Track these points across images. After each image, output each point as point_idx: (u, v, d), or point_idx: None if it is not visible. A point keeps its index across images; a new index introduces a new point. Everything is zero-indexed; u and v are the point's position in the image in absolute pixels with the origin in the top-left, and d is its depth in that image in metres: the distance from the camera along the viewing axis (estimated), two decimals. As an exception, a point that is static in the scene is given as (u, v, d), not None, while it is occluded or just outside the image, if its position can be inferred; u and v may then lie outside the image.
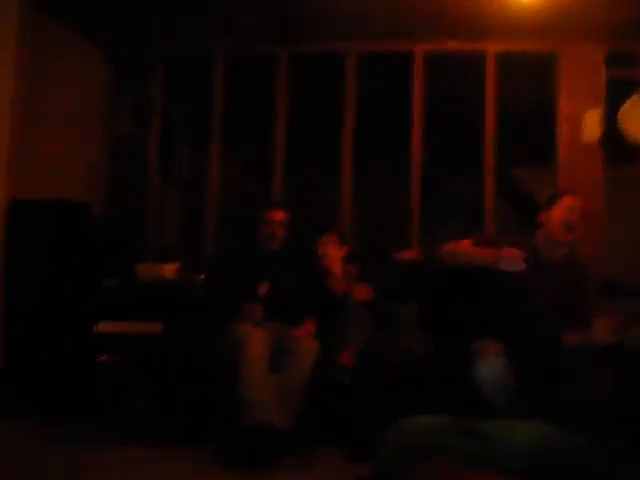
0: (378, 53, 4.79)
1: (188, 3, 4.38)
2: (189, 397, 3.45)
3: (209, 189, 4.88)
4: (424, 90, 4.79)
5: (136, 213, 4.90)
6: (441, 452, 1.90)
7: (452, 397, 2.99)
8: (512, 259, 3.06)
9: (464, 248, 3.27)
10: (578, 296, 3.19)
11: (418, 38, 4.68)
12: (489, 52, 4.68)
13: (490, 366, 2.83)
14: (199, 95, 5.09)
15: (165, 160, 5.18)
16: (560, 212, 3.22)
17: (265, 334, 3.37)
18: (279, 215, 3.85)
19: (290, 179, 4.90)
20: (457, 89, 5.17)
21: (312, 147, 5.70)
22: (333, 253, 3.99)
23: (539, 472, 1.91)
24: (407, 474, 1.78)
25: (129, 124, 5.06)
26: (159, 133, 5.01)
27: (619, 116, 4.41)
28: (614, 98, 4.49)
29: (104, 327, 3.79)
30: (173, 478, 2.83)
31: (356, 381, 3.30)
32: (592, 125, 4.46)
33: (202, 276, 4.12)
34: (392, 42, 4.73)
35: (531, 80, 4.91)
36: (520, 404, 2.74)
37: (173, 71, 5.06)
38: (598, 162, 4.48)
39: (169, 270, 4.21)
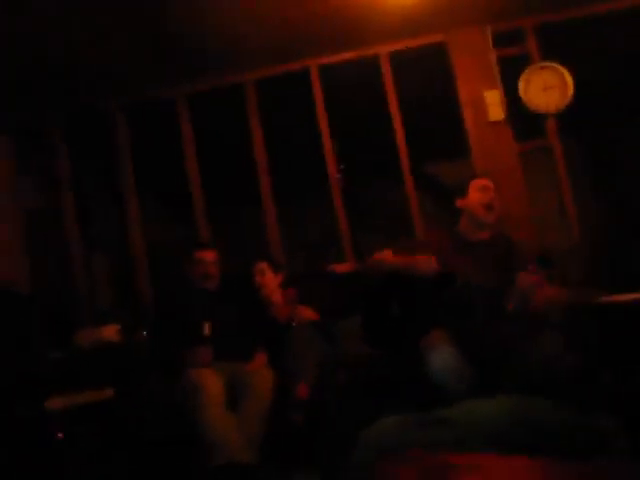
0: (274, 76, 4.80)
1: (74, 69, 4.33)
2: (154, 456, 3.35)
3: (134, 244, 4.79)
4: (324, 105, 4.82)
5: (64, 284, 4.76)
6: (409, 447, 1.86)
7: (412, 395, 2.97)
8: (425, 263, 3.09)
9: (386, 258, 3.28)
10: (512, 268, 3.19)
11: (310, 54, 4.71)
12: (382, 54, 4.74)
13: (439, 356, 2.81)
14: (106, 153, 5.00)
15: (85, 225, 5.07)
16: (475, 194, 3.30)
17: (218, 374, 3.32)
18: (209, 255, 3.83)
19: (213, 216, 4.84)
20: (358, 98, 5.22)
21: (229, 181, 5.68)
22: (269, 281, 3.95)
23: (511, 443, 1.90)
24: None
25: (39, 197, 4.93)
26: (73, 200, 4.88)
27: (519, 90, 4.52)
28: (512, 74, 4.59)
29: (55, 400, 3.66)
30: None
31: (315, 411, 3.29)
32: (494, 105, 4.55)
33: (144, 332, 4.02)
34: (285, 63, 4.76)
35: (429, 73, 4.97)
36: (477, 385, 2.74)
37: (76, 133, 4.96)
38: (508, 139, 4.56)
39: (109, 332, 4.10)
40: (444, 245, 3.28)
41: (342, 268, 4.31)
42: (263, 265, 4.00)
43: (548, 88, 4.54)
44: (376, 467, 1.77)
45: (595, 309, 2.90)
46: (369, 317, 3.35)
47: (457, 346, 2.87)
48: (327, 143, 4.80)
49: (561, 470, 1.66)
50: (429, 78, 4.99)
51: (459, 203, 3.36)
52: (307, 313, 3.81)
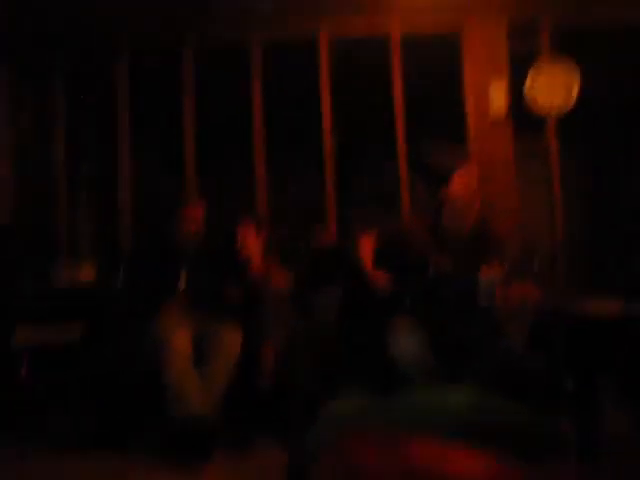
0: (281, 40, 4.74)
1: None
2: (115, 400, 3.37)
3: (122, 187, 4.74)
4: (331, 76, 4.75)
5: (46, 219, 4.72)
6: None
7: (376, 374, 2.99)
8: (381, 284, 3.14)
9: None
10: (490, 257, 3.20)
11: (322, 23, 4.66)
12: (394, 31, 4.68)
13: (404, 341, 2.82)
14: (105, 91, 4.92)
15: (74, 160, 5.01)
16: (458, 186, 3.27)
17: (187, 328, 3.33)
18: (197, 212, 3.81)
19: (203, 171, 4.79)
20: (364, 72, 5.17)
21: (223, 138, 5.64)
22: (252, 242, 3.92)
23: (467, 433, 1.91)
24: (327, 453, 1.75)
25: (31, 132, 4.86)
26: (64, 136, 4.82)
27: (525, 87, 4.50)
28: (520, 70, 4.56)
29: (22, 334, 3.64)
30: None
31: (282, 378, 3.32)
32: (498, 97, 4.53)
33: (120, 274, 4.00)
34: (297, 24, 4.69)
35: (437, 57, 4.93)
36: (439, 374, 2.75)
37: (78, 66, 4.88)
38: (507, 133, 4.55)
39: (85, 271, 4.08)
40: (425, 235, 3.29)
41: (325, 241, 4.30)
42: (248, 223, 3.97)
43: (555, 88, 4.50)
44: (335, 444, 1.78)
45: (566, 314, 2.92)
46: (348, 293, 3.36)
47: (422, 334, 2.89)
48: (327, 115, 4.74)
49: (514, 469, 1.67)
50: (438, 62, 4.95)
51: (443, 193, 3.34)
52: (281, 281, 3.79)
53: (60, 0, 4.51)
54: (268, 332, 3.40)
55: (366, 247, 3.32)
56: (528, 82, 4.52)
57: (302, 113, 5.03)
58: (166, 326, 3.30)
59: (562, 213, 4.56)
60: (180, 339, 3.23)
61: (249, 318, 3.54)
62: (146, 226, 4.69)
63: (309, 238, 4.29)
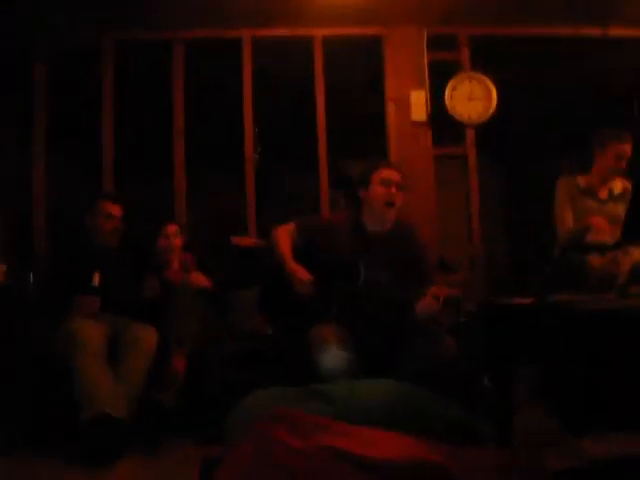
0: (206, 39, 4.70)
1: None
2: (24, 401, 3.24)
3: (35, 189, 4.58)
4: (252, 79, 4.75)
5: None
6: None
7: (295, 372, 2.96)
8: (302, 284, 3.07)
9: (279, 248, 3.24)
10: (411, 265, 3.20)
11: (246, 23, 4.65)
12: (316, 37, 4.72)
13: (331, 356, 2.77)
14: (22, 91, 4.77)
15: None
16: (377, 188, 3.19)
17: (100, 325, 3.25)
18: (116, 209, 3.73)
19: (120, 175, 4.68)
20: (286, 78, 5.19)
21: (143, 140, 5.54)
22: (176, 245, 3.87)
23: (388, 424, 1.91)
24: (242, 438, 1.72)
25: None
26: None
27: (445, 96, 4.60)
28: (440, 79, 4.67)
29: None
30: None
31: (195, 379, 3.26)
32: (419, 105, 4.60)
33: (31, 277, 3.87)
34: (220, 29, 4.67)
35: (360, 65, 4.99)
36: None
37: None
38: (427, 140, 4.63)
39: (-4, 271, 3.94)
40: (344, 232, 3.25)
41: (244, 241, 4.26)
42: (174, 228, 3.91)
43: (473, 99, 4.64)
44: (250, 427, 1.75)
45: (484, 313, 2.96)
46: (265, 293, 3.31)
47: (348, 344, 2.84)
48: (249, 120, 4.72)
49: (429, 447, 1.68)
50: (359, 70, 5.01)
51: (361, 194, 3.27)
52: (200, 279, 3.74)
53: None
54: (178, 333, 3.32)
55: (284, 237, 3.26)
56: (447, 92, 4.62)
57: (224, 116, 5.00)
58: (79, 324, 3.21)
59: (478, 220, 4.66)
60: (94, 335, 3.15)
61: (163, 318, 3.47)
62: (61, 226, 4.54)
63: (228, 238, 4.23)
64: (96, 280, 3.42)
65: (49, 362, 3.26)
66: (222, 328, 3.50)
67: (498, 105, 4.63)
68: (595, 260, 3.55)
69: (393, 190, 3.17)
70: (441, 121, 4.66)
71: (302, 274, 3.05)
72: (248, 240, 4.30)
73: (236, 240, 4.21)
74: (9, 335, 3.50)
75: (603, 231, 3.63)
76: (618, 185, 3.91)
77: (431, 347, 2.85)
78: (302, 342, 2.95)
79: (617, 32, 4.79)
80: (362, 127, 5.56)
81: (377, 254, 3.16)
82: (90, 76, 4.71)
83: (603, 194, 3.88)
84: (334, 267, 3.11)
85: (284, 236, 3.25)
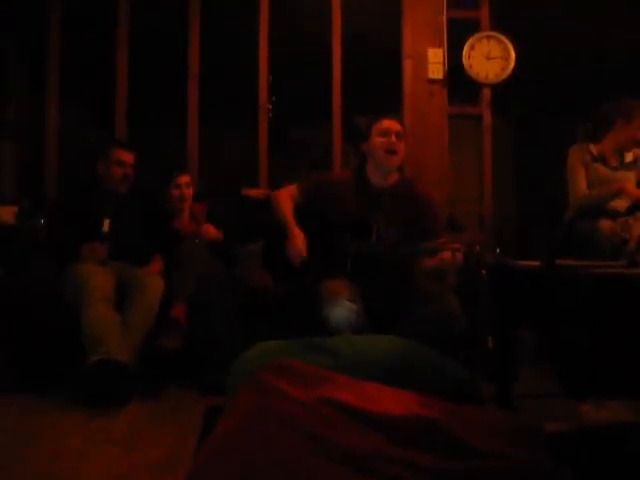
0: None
1: None
2: (32, 344, 3.29)
3: (48, 132, 4.53)
4: (268, 29, 4.65)
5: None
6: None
7: (300, 326, 2.97)
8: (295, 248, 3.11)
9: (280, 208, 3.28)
10: (419, 219, 3.17)
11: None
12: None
13: (342, 309, 2.77)
14: (35, 36, 4.71)
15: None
16: (377, 138, 3.19)
17: (109, 272, 3.28)
18: (129, 156, 3.73)
19: (133, 121, 4.63)
20: (303, 30, 5.12)
21: (156, 88, 5.50)
22: (189, 195, 3.87)
23: (391, 379, 1.92)
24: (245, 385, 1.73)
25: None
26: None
27: (463, 55, 4.54)
28: (458, 37, 4.59)
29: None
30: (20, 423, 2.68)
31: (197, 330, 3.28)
32: (436, 63, 4.54)
33: (43, 219, 3.88)
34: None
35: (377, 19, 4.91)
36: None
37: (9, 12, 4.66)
38: (442, 99, 4.57)
39: (5, 213, 3.93)
40: (349, 188, 3.25)
41: (255, 192, 4.25)
42: (187, 178, 3.91)
43: (491, 58, 4.57)
44: (252, 378, 1.76)
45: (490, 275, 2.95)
46: (271, 246, 3.30)
47: (359, 299, 2.85)
48: (264, 69, 4.66)
49: (429, 403, 1.68)
50: (376, 24, 4.94)
51: (362, 147, 3.28)
52: (211, 231, 3.74)
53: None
54: (180, 283, 3.33)
55: (286, 200, 3.28)
56: (465, 50, 4.56)
57: (240, 67, 4.94)
58: (88, 268, 3.24)
59: (491, 182, 4.62)
60: (101, 281, 3.18)
61: (170, 267, 3.48)
62: (73, 170, 4.52)
63: (239, 190, 4.21)
64: (106, 227, 3.43)
65: (56, 305, 3.30)
66: (227, 280, 3.50)
67: (516, 65, 4.55)
68: (606, 225, 3.56)
69: (393, 139, 3.17)
70: (457, 80, 4.59)
71: (299, 246, 3.08)
72: (258, 192, 4.28)
73: (246, 192, 4.19)
74: (18, 276, 3.54)
75: (637, 198, 3.63)
76: (629, 153, 3.90)
77: (435, 307, 2.85)
78: (307, 297, 2.97)
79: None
80: (378, 82, 5.50)
81: (385, 210, 3.17)
82: (106, 18, 4.63)
83: (614, 161, 3.88)
84: (343, 223, 3.11)
85: (285, 199, 3.28)
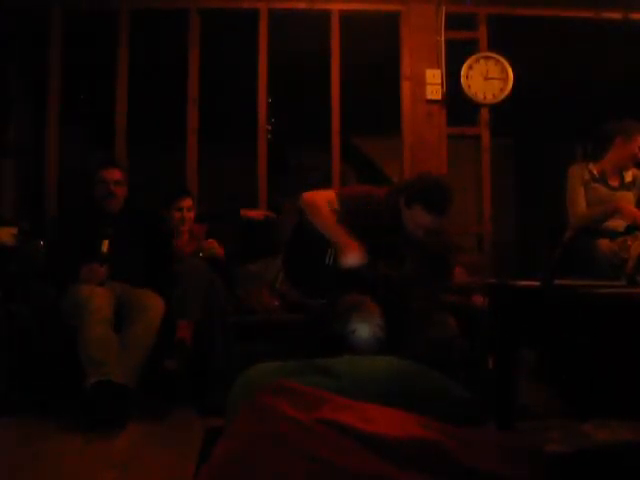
0: (223, 10, 4.66)
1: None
2: (31, 366, 3.30)
3: (48, 155, 4.57)
4: (267, 52, 4.70)
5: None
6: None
7: (308, 346, 2.97)
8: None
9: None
10: (439, 260, 3.21)
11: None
12: (333, 11, 4.68)
13: (371, 327, 2.76)
14: (37, 56, 4.74)
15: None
16: (418, 230, 3.10)
17: (108, 293, 3.28)
18: (115, 174, 3.70)
19: (133, 144, 4.66)
20: (302, 53, 5.16)
21: (157, 109, 5.53)
22: (190, 219, 3.90)
23: (391, 401, 1.91)
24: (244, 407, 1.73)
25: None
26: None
27: (461, 75, 4.58)
28: (456, 58, 4.64)
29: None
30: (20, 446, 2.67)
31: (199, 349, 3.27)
32: (434, 84, 4.58)
33: (42, 241, 3.89)
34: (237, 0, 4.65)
35: (375, 42, 4.94)
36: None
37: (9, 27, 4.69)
38: (441, 119, 4.61)
39: (4, 235, 3.93)
40: (385, 212, 3.15)
41: (254, 213, 4.26)
42: (188, 202, 3.94)
43: (489, 78, 4.61)
44: (252, 399, 1.75)
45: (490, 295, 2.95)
46: (299, 258, 3.24)
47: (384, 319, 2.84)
48: (263, 91, 4.69)
49: (429, 425, 1.68)
50: (375, 46, 4.97)
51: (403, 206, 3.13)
52: (214, 245, 3.78)
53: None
54: (184, 302, 3.31)
55: (324, 205, 3.09)
56: (463, 71, 4.60)
57: (237, 87, 4.98)
58: (87, 290, 3.24)
59: (490, 202, 4.64)
60: (101, 303, 3.17)
61: (170, 287, 3.47)
62: (71, 192, 4.54)
63: (238, 211, 4.22)
64: (105, 248, 3.43)
65: (55, 327, 3.30)
66: (228, 300, 3.50)
67: (514, 86, 4.58)
68: (605, 245, 3.56)
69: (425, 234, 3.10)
70: (456, 100, 4.62)
71: (356, 249, 2.94)
72: (257, 212, 4.30)
73: (246, 212, 4.21)
74: (17, 297, 3.53)
75: (633, 217, 3.62)
76: (629, 173, 3.92)
77: (433, 328, 2.86)
78: (327, 311, 2.95)
79: (638, 16, 4.73)
80: (377, 104, 5.53)
81: (415, 248, 3.17)
82: (105, 43, 4.67)
83: (614, 182, 3.88)
84: (378, 246, 3.05)
85: (324, 204, 3.09)
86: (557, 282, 2.32)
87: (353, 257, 2.93)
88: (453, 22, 4.69)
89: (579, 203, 3.82)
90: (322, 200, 3.10)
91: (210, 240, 3.82)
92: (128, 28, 4.61)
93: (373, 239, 3.02)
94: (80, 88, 5.50)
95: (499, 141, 4.97)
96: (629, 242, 3.50)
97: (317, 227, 3.05)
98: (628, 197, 3.86)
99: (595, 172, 3.87)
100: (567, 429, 1.75)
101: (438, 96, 4.58)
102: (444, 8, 4.64)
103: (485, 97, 4.62)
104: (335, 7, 4.67)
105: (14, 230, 3.98)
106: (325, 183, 4.71)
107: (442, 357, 2.66)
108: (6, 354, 3.32)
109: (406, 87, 4.65)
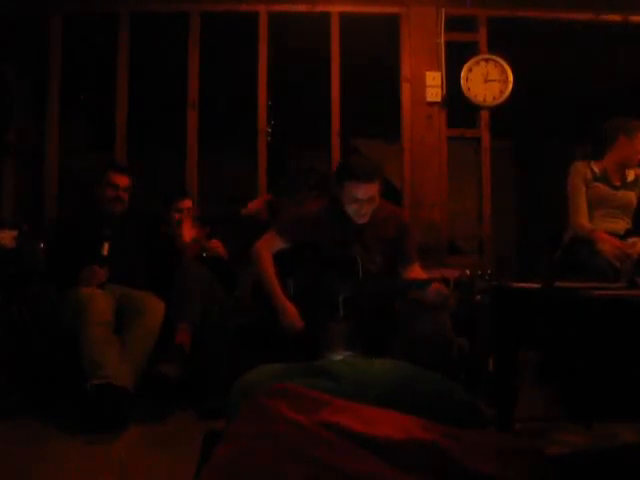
0: (223, 13, 4.66)
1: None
2: (32, 368, 3.30)
3: (48, 157, 4.57)
4: (267, 53, 4.70)
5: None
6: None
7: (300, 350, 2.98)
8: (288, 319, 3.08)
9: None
10: (397, 240, 3.20)
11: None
12: (333, 13, 4.68)
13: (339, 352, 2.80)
14: (37, 58, 4.74)
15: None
16: (351, 204, 3.07)
17: (108, 295, 3.28)
18: (123, 180, 3.73)
19: (133, 146, 4.66)
20: (302, 54, 5.15)
21: (156, 111, 5.53)
22: (189, 221, 3.89)
23: (395, 402, 1.91)
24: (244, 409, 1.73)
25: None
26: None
27: (461, 77, 4.58)
28: (456, 60, 4.64)
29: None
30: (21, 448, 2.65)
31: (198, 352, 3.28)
32: (434, 86, 4.58)
33: (42, 243, 3.89)
34: (236, 3, 4.66)
35: (376, 43, 4.94)
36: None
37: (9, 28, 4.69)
38: (441, 121, 4.61)
39: (4, 237, 3.93)
40: (328, 222, 3.18)
41: (254, 205, 4.22)
42: (188, 203, 3.95)
43: (489, 80, 4.60)
44: (251, 402, 1.75)
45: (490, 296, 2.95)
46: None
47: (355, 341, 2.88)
48: (262, 93, 4.70)
49: (429, 427, 1.68)
50: (375, 48, 4.96)
51: (336, 190, 3.14)
52: (218, 245, 3.82)
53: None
54: (183, 305, 3.31)
55: (268, 258, 3.20)
56: (463, 73, 4.60)
57: (237, 89, 4.97)
58: (87, 292, 3.24)
59: (490, 203, 4.64)
60: (101, 305, 3.18)
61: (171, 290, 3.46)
62: (72, 194, 4.54)
63: (239, 212, 4.21)
64: (105, 250, 3.43)
65: (56, 329, 3.30)
66: (228, 302, 3.50)
67: (514, 88, 4.58)
68: (605, 246, 3.55)
69: (364, 207, 3.07)
70: (456, 102, 4.63)
71: (293, 317, 3.04)
72: (257, 202, 4.26)
73: (246, 211, 4.18)
74: (17, 299, 3.53)
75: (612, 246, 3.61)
76: (631, 172, 3.90)
77: (424, 327, 2.87)
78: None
79: (638, 19, 4.73)
80: (377, 106, 5.53)
81: (366, 242, 3.16)
82: (106, 45, 4.67)
83: (616, 181, 3.86)
84: (327, 262, 3.11)
85: (267, 257, 3.19)
86: (557, 284, 2.32)
87: (290, 323, 3.03)
88: (453, 24, 4.69)
89: (580, 203, 3.79)
90: (266, 251, 3.20)
91: (214, 240, 3.82)
92: (128, 30, 4.61)
93: (324, 256, 3.11)
94: (80, 89, 5.49)
95: (499, 143, 4.96)
96: (629, 243, 3.50)
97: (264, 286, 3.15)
98: (630, 196, 3.85)
99: (597, 170, 3.85)
100: (568, 431, 1.76)
101: (438, 98, 4.59)
102: (444, 10, 4.64)
103: (485, 99, 4.62)
104: (335, 9, 4.67)
105: (14, 233, 3.98)
106: (325, 184, 4.70)
107: (434, 356, 2.66)
108: (6, 355, 3.32)
109: (406, 89, 4.65)
